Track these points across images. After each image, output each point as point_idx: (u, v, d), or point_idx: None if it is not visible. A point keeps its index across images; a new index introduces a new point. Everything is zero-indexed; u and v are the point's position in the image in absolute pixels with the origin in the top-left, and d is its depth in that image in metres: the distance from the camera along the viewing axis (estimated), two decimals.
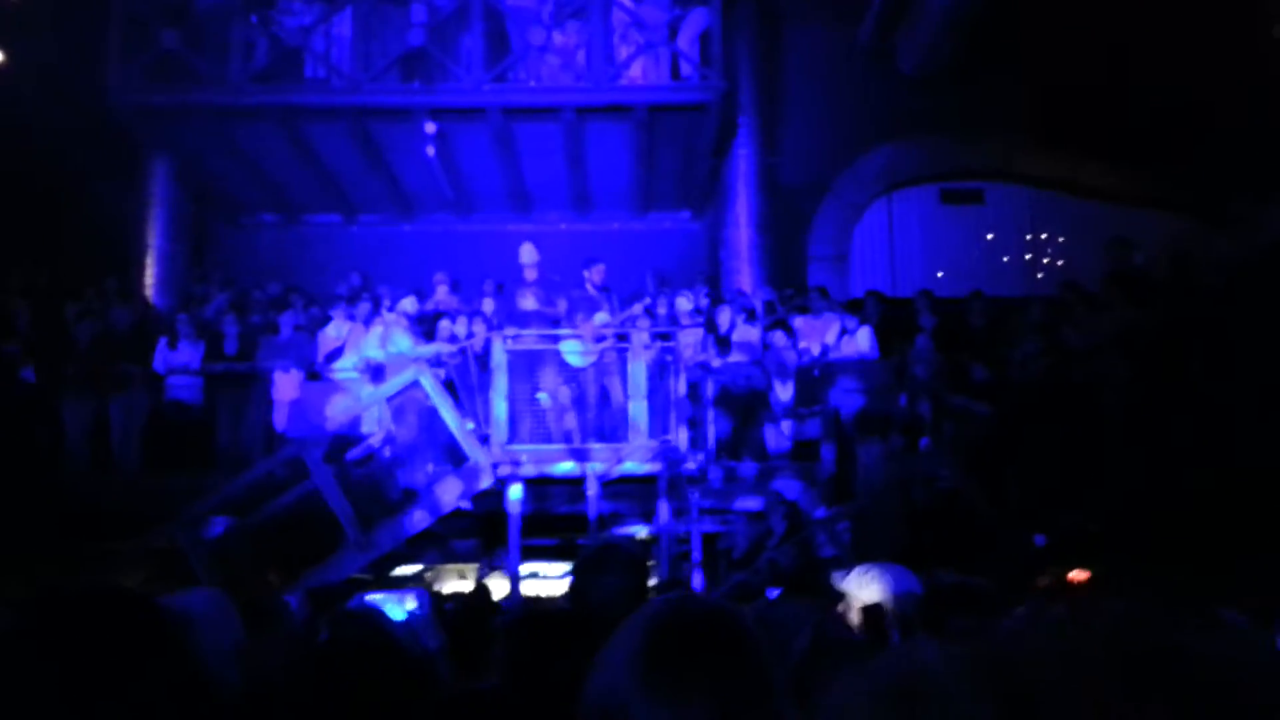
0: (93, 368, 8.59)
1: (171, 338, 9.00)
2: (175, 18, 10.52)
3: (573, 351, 8.36)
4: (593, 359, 8.39)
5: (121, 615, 1.28)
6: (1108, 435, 7.34)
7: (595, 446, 8.10)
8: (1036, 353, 9.12)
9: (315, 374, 8.83)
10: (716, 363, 8.90)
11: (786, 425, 8.82)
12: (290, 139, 10.64)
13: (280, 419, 8.58)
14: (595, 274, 8.77)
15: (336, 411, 8.38)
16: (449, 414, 7.99)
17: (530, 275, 8.90)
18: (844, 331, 9.31)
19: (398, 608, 4.48)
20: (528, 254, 8.93)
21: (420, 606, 4.20)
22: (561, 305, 8.86)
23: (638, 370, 8.21)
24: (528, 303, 8.73)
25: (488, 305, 9.69)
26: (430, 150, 10.41)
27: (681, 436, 8.03)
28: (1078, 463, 7.29)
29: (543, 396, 8.40)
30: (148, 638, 1.27)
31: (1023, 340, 9.24)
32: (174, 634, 1.30)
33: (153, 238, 11.32)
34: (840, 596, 2.86)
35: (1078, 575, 4.79)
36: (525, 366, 8.35)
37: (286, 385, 8.60)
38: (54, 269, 10.40)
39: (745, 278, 11.28)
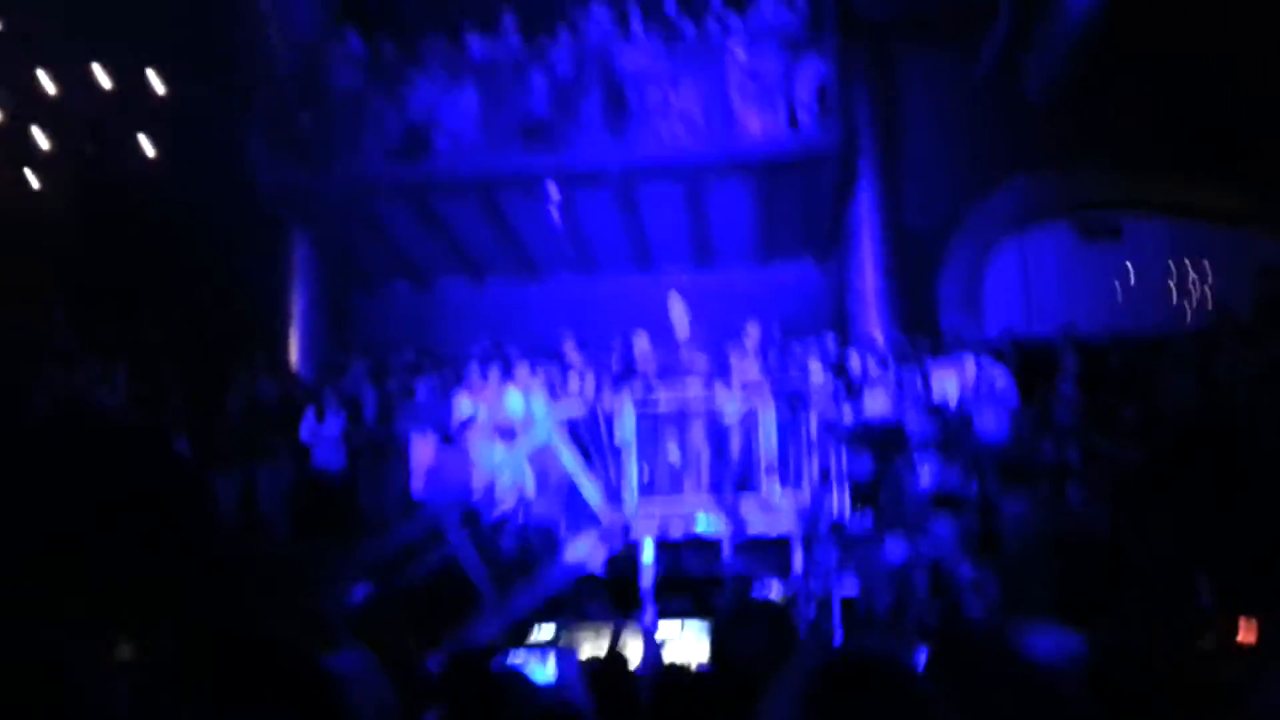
0: (242, 439, 8.96)
1: (318, 410, 9.33)
2: (312, 100, 11.06)
3: (725, 403, 8.33)
4: (740, 415, 8.33)
5: (290, 668, 1.32)
6: (1268, 472, 6.93)
7: (728, 503, 8.03)
8: (1186, 387, 8.71)
9: (449, 438, 9.01)
10: (848, 411, 8.76)
11: (926, 473, 8.58)
12: (420, 211, 11.02)
13: (418, 484, 8.77)
14: (752, 329, 8.81)
15: (471, 476, 8.52)
16: (581, 474, 8.04)
17: (680, 329, 8.94)
18: (980, 375, 9.05)
19: (542, 670, 4.49)
20: (677, 308, 8.96)
21: (567, 668, 4.19)
22: (701, 361, 8.88)
23: (769, 423, 8.13)
24: (681, 355, 8.76)
25: (615, 362, 9.73)
26: (554, 214, 10.60)
27: (815, 491, 7.88)
28: (1237, 504, 6.89)
29: (674, 453, 8.39)
30: (313, 692, 1.31)
31: (1172, 377, 8.83)
32: (334, 690, 1.34)
33: (296, 310, 11.84)
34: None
35: (1246, 633, 4.50)
36: (657, 424, 8.37)
37: (423, 450, 8.81)
38: (204, 348, 10.89)
39: (873, 323, 11.09)
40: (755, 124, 10.55)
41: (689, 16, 11.21)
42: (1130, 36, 10.57)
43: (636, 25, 11.21)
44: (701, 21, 11.13)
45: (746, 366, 8.97)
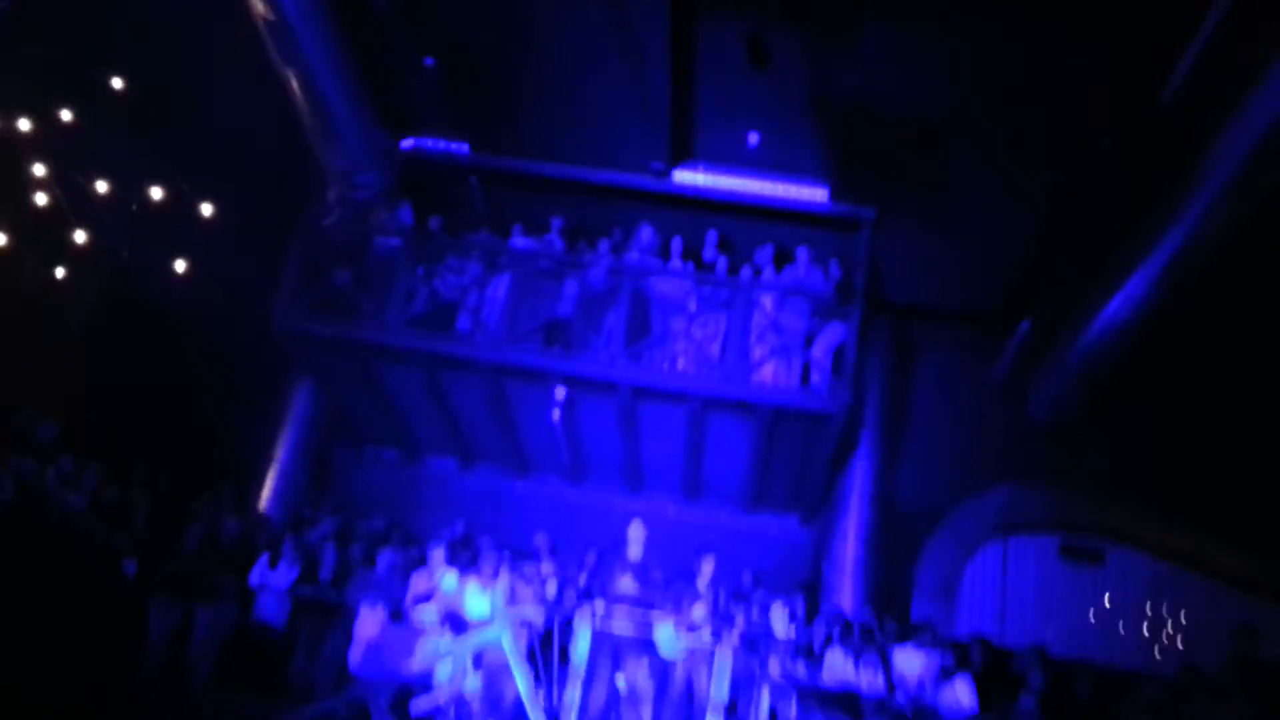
0: (191, 571, 8.73)
1: (273, 556, 9.15)
2: (349, 259, 11.37)
3: (666, 640, 8.12)
4: (682, 652, 8.13)
5: None
6: None
7: None
8: None
9: (399, 614, 8.76)
10: (803, 672, 8.55)
11: None
12: (428, 383, 11.14)
13: (356, 656, 8.46)
14: (706, 566, 8.70)
15: (411, 659, 8.23)
16: (523, 681, 7.78)
17: (634, 555, 8.84)
18: (944, 675, 8.86)
19: None
20: (635, 533, 8.90)
21: None
22: (659, 593, 8.74)
23: (722, 676, 7.91)
24: (625, 583, 8.62)
25: (583, 577, 9.60)
26: (556, 414, 10.69)
27: None
28: None
29: (620, 680, 8.13)
30: None
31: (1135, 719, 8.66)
32: None
33: (278, 454, 11.77)
34: None
35: None
36: (609, 647, 8.15)
37: (369, 622, 8.53)
38: (178, 468, 10.77)
39: (846, 594, 10.96)
40: (768, 372, 10.79)
41: (728, 258, 11.63)
42: (1139, 377, 10.96)
43: (676, 253, 11.64)
44: (737, 266, 11.55)
45: (695, 606, 8.83)
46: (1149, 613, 11.71)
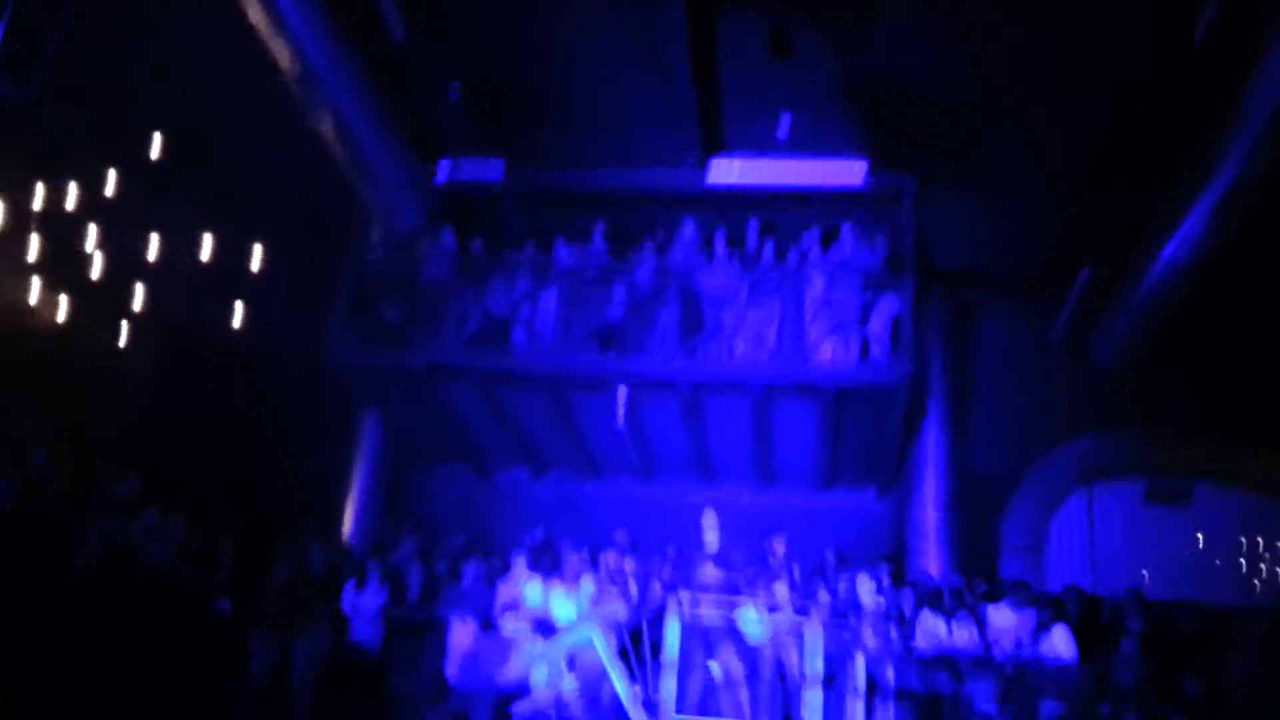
0: (285, 606, 8.90)
1: (360, 581, 9.30)
2: (399, 291, 11.55)
3: (750, 623, 8.13)
4: (768, 633, 8.11)
5: None
6: None
7: None
8: (1254, 671, 8.37)
9: (490, 625, 8.84)
10: (898, 642, 8.48)
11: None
12: (489, 400, 11.24)
13: (452, 669, 8.55)
14: (778, 546, 8.67)
15: (507, 666, 8.30)
16: (618, 678, 7.81)
17: (711, 543, 8.86)
18: (1041, 629, 8.75)
19: None
20: (709, 521, 8.93)
21: None
22: (740, 578, 8.76)
23: (815, 651, 7.89)
24: (707, 571, 8.65)
25: (666, 571, 9.61)
26: (620, 417, 10.74)
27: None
28: None
29: (714, 667, 8.13)
30: None
31: (1239, 655, 8.49)
32: None
33: (355, 485, 11.99)
34: None
35: None
36: (698, 636, 8.16)
37: (462, 635, 8.62)
38: (261, 511, 10.98)
39: (932, 561, 10.87)
40: (827, 352, 10.74)
41: (774, 245, 11.64)
42: (1206, 310, 10.77)
43: (720, 247, 11.67)
44: (784, 251, 11.54)
45: (776, 586, 8.83)
46: (1243, 546, 11.47)
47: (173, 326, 11.10)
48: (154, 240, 10.40)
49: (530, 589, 8.89)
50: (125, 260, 10.37)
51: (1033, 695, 8.35)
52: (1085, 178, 11.03)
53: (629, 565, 9.52)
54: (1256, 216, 9.66)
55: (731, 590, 8.65)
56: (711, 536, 8.90)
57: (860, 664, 7.94)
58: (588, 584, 8.90)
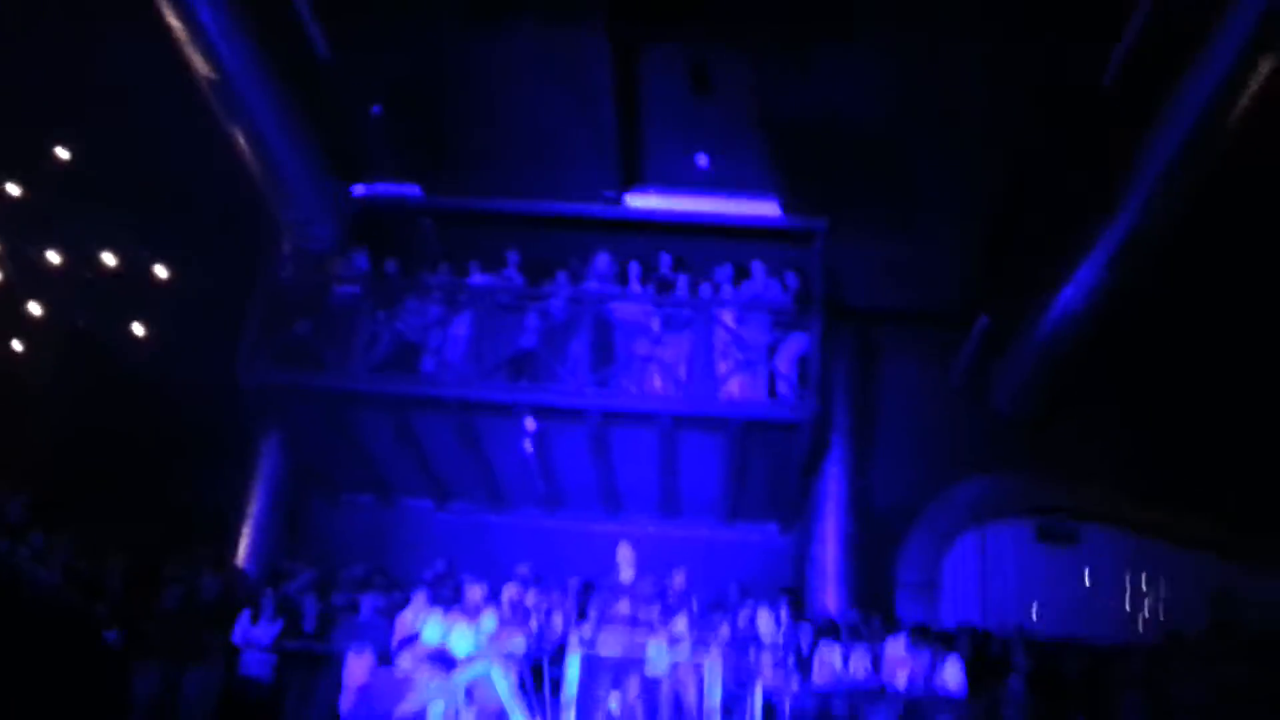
0: (174, 635, 8.66)
1: (254, 612, 9.10)
2: (309, 309, 11.37)
3: (654, 657, 8.17)
4: (668, 666, 8.17)
5: None
6: None
7: None
8: (1139, 705, 8.67)
9: (387, 658, 8.72)
10: (795, 681, 8.61)
11: None
12: (397, 426, 11.11)
13: (347, 703, 8.41)
14: (677, 578, 8.74)
15: (404, 701, 8.19)
16: (518, 714, 7.76)
17: (625, 577, 8.91)
18: (930, 664, 8.95)
19: None
20: (624, 555, 8.98)
21: None
22: (653, 611, 8.81)
23: (714, 683, 7.96)
24: (620, 605, 8.69)
25: (569, 604, 9.61)
26: (528, 445, 10.74)
27: None
28: None
29: (613, 702, 8.15)
30: None
31: (1123, 691, 8.80)
32: None
33: (252, 509, 11.70)
34: None
35: None
36: (600, 671, 8.17)
37: (358, 668, 8.48)
38: (152, 533, 10.70)
39: (830, 597, 11.06)
40: (735, 386, 10.89)
41: (687, 278, 11.76)
42: (1098, 363, 11.19)
43: (634, 278, 11.76)
44: (696, 285, 11.67)
45: (676, 619, 8.91)
46: (1128, 586, 11.89)
47: (70, 339, 10.80)
48: (54, 252, 10.11)
49: (429, 622, 8.80)
50: (21, 270, 10.07)
51: None
52: (993, 221, 11.41)
53: (530, 598, 9.49)
54: (1152, 265, 10.05)
55: (634, 624, 8.69)
56: (626, 570, 8.95)
57: (759, 696, 8.03)
58: (488, 617, 8.84)
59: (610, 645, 8.29)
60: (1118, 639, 10.55)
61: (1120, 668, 9.13)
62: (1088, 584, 11.92)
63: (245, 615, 9.17)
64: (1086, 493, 11.91)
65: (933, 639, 9.41)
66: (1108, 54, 9.61)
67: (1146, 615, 11.77)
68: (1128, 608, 11.82)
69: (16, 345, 10.09)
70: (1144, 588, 11.85)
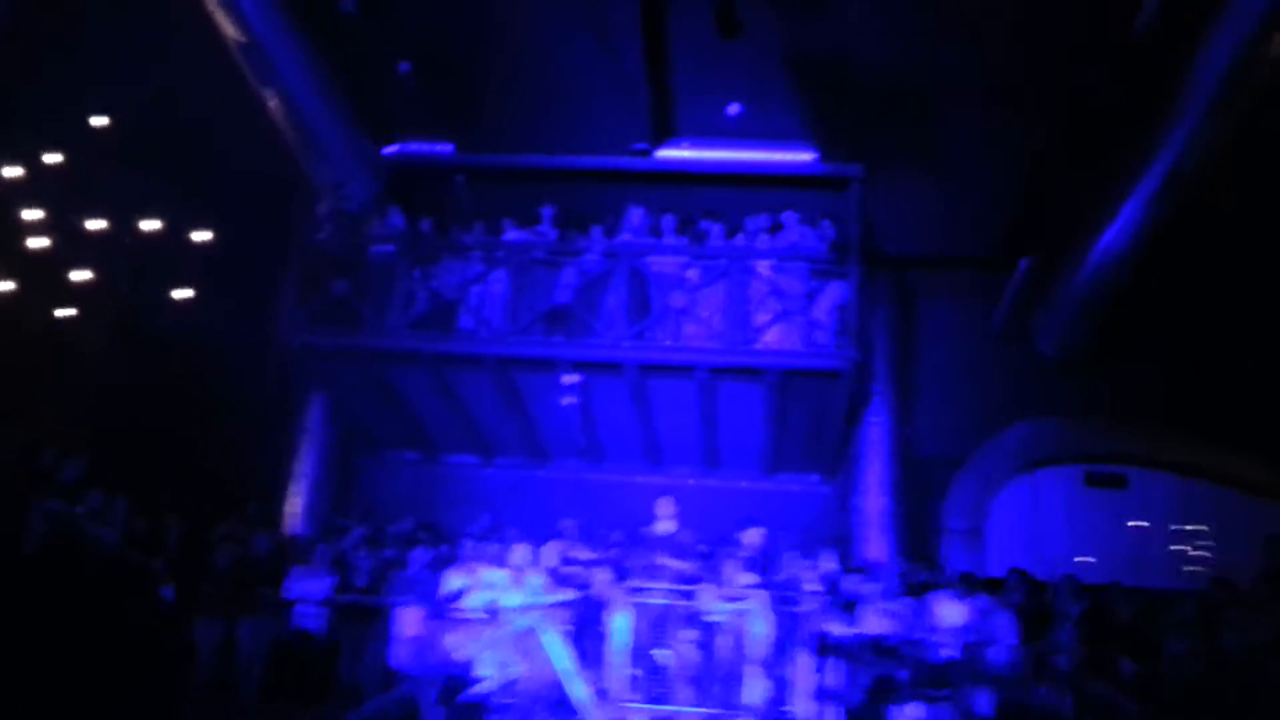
0: (229, 590, 8.85)
1: (307, 568, 9.26)
2: (346, 269, 11.44)
3: (708, 607, 8.25)
4: (725, 616, 8.25)
5: None
6: None
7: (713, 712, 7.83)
8: (1189, 652, 8.62)
9: (437, 611, 8.85)
10: (843, 631, 8.63)
11: (913, 709, 8.38)
12: (437, 383, 11.20)
13: (399, 655, 8.56)
14: (752, 535, 8.80)
15: (454, 651, 8.32)
16: (567, 664, 7.86)
17: (665, 529, 8.97)
18: (983, 613, 8.94)
19: None
20: (664, 509, 9.03)
21: None
22: (691, 564, 8.88)
23: (760, 635, 8.02)
24: (659, 557, 8.76)
25: (615, 556, 9.68)
26: (568, 400, 10.78)
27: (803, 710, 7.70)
28: None
29: (664, 654, 8.24)
30: None
31: (1173, 637, 8.74)
32: None
33: (302, 468, 11.90)
34: None
35: None
36: (649, 621, 8.25)
37: (409, 621, 8.63)
38: (204, 490, 10.87)
39: (876, 546, 11.07)
40: (773, 336, 10.85)
41: (723, 229, 11.69)
42: (1144, 302, 11.02)
43: (668, 230, 11.70)
44: (732, 235, 11.60)
45: (740, 572, 8.96)
46: (1177, 530, 11.80)
47: (116, 306, 10.90)
48: (97, 219, 10.19)
49: (478, 574, 8.91)
50: (66, 238, 10.16)
51: (974, 679, 8.52)
52: (1031, 164, 11.19)
53: (577, 551, 9.57)
54: (1194, 204, 9.85)
55: (684, 577, 8.76)
56: (666, 523, 9.01)
57: (804, 651, 8.08)
58: (536, 570, 8.94)
59: (658, 597, 8.38)
60: (1168, 585, 10.48)
61: (1170, 614, 9.07)
62: (1137, 529, 11.85)
63: (296, 570, 9.34)
64: (1134, 436, 11.79)
65: (981, 586, 9.41)
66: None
67: (1197, 561, 11.70)
68: (1177, 553, 11.74)
69: (65, 312, 10.19)
70: (1193, 532, 11.77)
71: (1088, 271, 10.73)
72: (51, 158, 9.78)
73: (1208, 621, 8.69)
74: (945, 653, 8.65)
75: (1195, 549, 11.71)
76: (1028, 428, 11.83)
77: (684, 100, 11.66)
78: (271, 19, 9.89)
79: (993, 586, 9.33)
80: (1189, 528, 11.77)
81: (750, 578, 8.78)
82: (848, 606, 8.92)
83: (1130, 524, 11.85)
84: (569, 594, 8.68)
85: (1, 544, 7.99)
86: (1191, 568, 11.51)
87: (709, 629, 8.50)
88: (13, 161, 9.54)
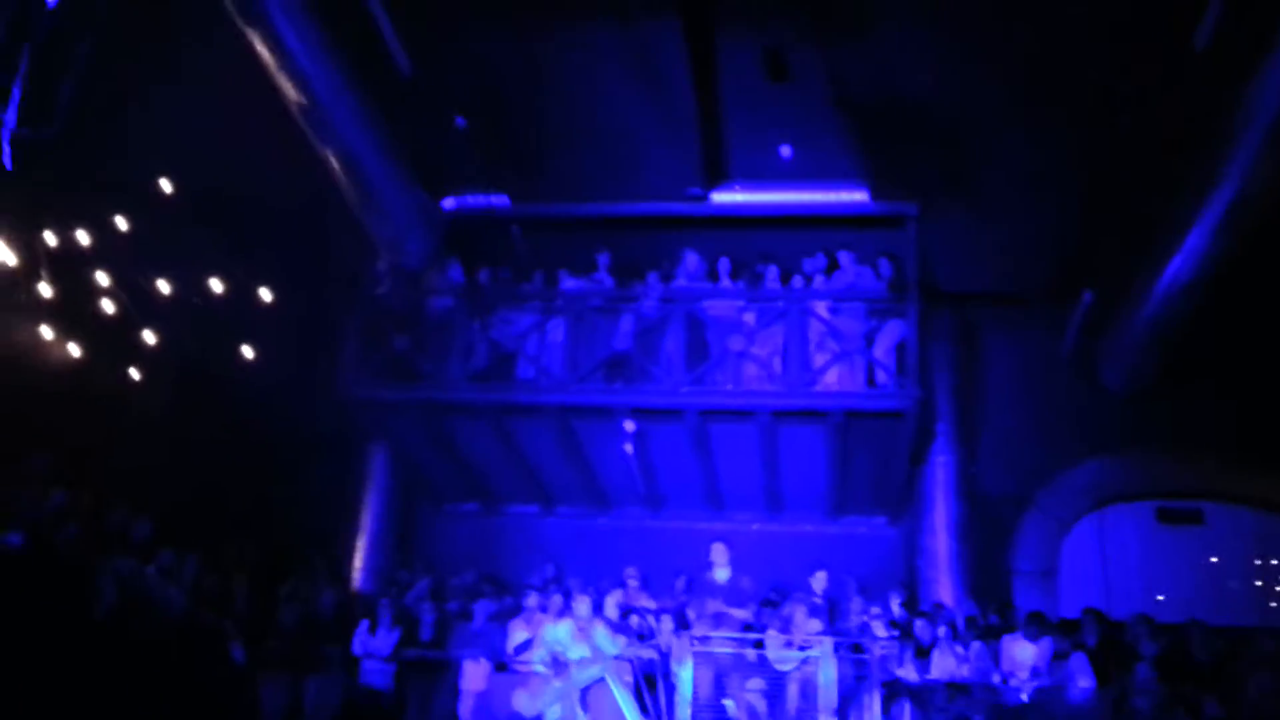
0: (294, 648, 8.91)
1: (372, 622, 9.31)
2: (407, 323, 11.59)
3: (775, 655, 8.16)
4: (794, 665, 8.14)
5: None
6: None
7: None
8: (1272, 689, 8.34)
9: (503, 665, 8.85)
10: (914, 676, 8.48)
11: None
12: (498, 434, 11.26)
13: (466, 709, 8.56)
14: (819, 580, 8.70)
15: (521, 705, 8.31)
16: (633, 717, 7.80)
17: (721, 577, 8.89)
18: (1058, 657, 8.74)
19: None
20: (719, 556, 8.96)
21: None
22: (748, 611, 8.80)
23: (829, 682, 7.89)
24: (716, 604, 8.69)
25: (678, 605, 9.62)
26: (628, 448, 10.77)
27: None
28: None
29: (729, 704, 8.14)
30: None
31: (1256, 674, 8.46)
32: None
33: (365, 522, 12.02)
34: None
35: None
36: (715, 671, 8.17)
37: (475, 675, 8.65)
38: (268, 547, 10.99)
39: (944, 588, 10.85)
40: (833, 377, 10.77)
41: (779, 271, 11.66)
42: (1209, 332, 10.77)
43: (724, 274, 11.71)
44: (788, 277, 11.57)
45: (807, 618, 8.85)
46: (1256, 565, 11.44)
47: (183, 365, 11.13)
48: (164, 281, 10.43)
49: (546, 629, 8.90)
50: (135, 300, 10.40)
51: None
52: (1088, 193, 11.04)
53: (641, 600, 9.52)
54: (1263, 229, 9.62)
55: (745, 623, 8.68)
56: (722, 571, 8.94)
57: (875, 697, 7.94)
58: (600, 621, 8.91)
59: (722, 645, 8.29)
60: (1246, 621, 10.15)
61: (1250, 650, 8.81)
62: (1214, 565, 11.50)
63: (364, 626, 9.39)
64: (1207, 470, 11.47)
65: (1053, 628, 9.19)
66: (1200, 13, 9.21)
67: (1278, 596, 11.32)
68: (1259, 589, 11.37)
69: (134, 373, 10.42)
70: (1274, 567, 11.40)
71: (1153, 303, 10.52)
72: (121, 221, 10.05)
73: None
74: (1020, 696, 8.48)
75: (1275, 584, 11.34)
76: (1097, 464, 11.56)
77: (735, 144, 11.72)
78: (330, 81, 10.09)
79: (1067, 628, 9.10)
80: (1269, 562, 11.41)
81: (817, 624, 8.66)
82: (919, 652, 8.76)
83: (1208, 560, 11.52)
84: (634, 645, 8.63)
85: (73, 608, 8.13)
86: (1273, 603, 11.14)
87: (777, 677, 8.38)
88: (84, 226, 9.82)
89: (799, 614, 8.74)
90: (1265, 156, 8.92)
